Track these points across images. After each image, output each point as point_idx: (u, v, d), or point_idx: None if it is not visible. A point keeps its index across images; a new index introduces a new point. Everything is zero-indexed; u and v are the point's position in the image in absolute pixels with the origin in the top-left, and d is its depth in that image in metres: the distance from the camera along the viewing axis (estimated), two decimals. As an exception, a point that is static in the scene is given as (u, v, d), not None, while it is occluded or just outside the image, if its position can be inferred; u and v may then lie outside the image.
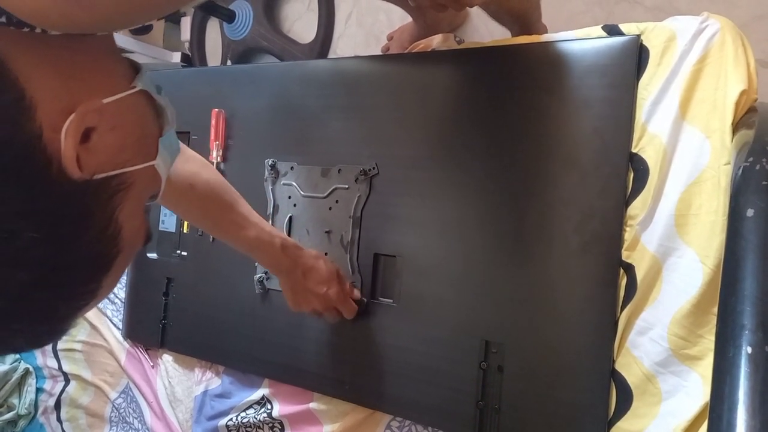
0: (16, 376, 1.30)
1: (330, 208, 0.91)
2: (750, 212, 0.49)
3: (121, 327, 1.18)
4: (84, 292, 0.38)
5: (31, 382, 1.31)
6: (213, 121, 1.03)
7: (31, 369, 1.31)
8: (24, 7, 0.30)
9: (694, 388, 0.64)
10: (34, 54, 0.33)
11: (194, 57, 1.77)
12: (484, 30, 1.28)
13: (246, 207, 0.79)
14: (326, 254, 0.89)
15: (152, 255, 1.11)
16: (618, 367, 0.69)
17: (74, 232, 0.35)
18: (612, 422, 0.69)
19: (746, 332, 0.41)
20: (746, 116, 0.65)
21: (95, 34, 0.37)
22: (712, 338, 0.63)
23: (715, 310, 0.62)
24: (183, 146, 0.72)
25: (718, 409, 0.39)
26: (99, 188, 0.36)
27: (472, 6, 0.81)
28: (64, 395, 1.26)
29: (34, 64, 0.33)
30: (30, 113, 0.32)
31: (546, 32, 1.04)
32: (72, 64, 0.36)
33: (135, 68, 0.42)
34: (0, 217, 0.31)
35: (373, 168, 0.87)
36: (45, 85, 0.33)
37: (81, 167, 0.34)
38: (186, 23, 1.79)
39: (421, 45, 0.92)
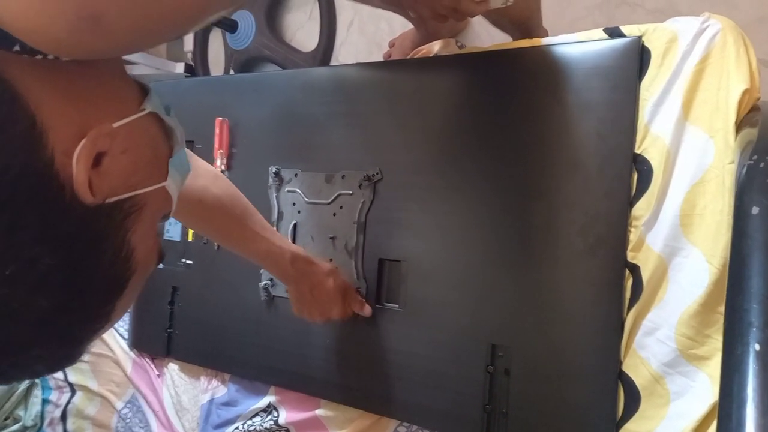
0: (21, 387, 1.30)
1: (334, 214, 0.91)
2: (755, 210, 0.49)
3: (126, 337, 1.18)
4: (100, 315, 0.38)
5: (37, 393, 1.31)
6: (217, 130, 1.03)
7: (36, 381, 1.31)
8: (39, 36, 0.31)
9: (702, 389, 0.64)
10: (45, 80, 0.34)
11: (197, 67, 1.79)
12: (486, 36, 1.29)
13: (257, 220, 0.79)
14: (331, 260, 0.90)
15: (157, 264, 1.11)
16: (625, 368, 0.69)
17: (90, 257, 0.36)
18: (620, 424, 0.68)
19: (754, 330, 0.41)
20: (749, 115, 0.65)
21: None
22: (720, 338, 0.63)
23: (722, 309, 0.63)
24: (195, 159, 0.73)
25: (727, 407, 0.38)
26: (112, 212, 0.37)
27: (473, 16, 0.81)
28: (70, 406, 1.26)
29: (45, 90, 0.34)
30: (42, 140, 0.33)
31: (547, 37, 1.05)
32: (82, 89, 0.36)
33: (143, 90, 0.43)
34: (19, 245, 0.32)
35: (377, 174, 0.87)
36: (56, 111, 0.34)
37: (93, 192, 0.35)
38: (189, 34, 1.80)
39: (423, 51, 0.92)
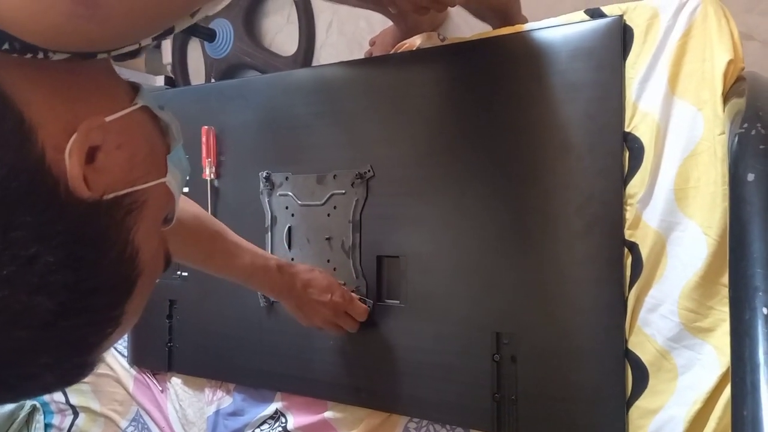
0: (23, 414, 1.28)
1: (329, 215, 0.90)
2: (751, 177, 0.49)
3: (126, 354, 1.17)
4: (109, 319, 0.38)
5: (39, 418, 1.29)
6: (203, 139, 1.03)
7: (38, 405, 1.29)
8: (35, 24, 0.30)
9: (708, 360, 0.64)
10: (33, 78, 0.33)
11: (178, 79, 1.77)
12: (465, 27, 1.29)
13: (234, 235, 0.78)
14: (328, 261, 0.89)
15: (153, 278, 1.10)
16: (631, 346, 0.69)
17: (92, 255, 0.35)
18: (630, 402, 0.69)
19: (760, 294, 0.41)
20: (735, 85, 0.65)
21: (95, 57, 0.37)
22: (723, 309, 0.64)
23: (723, 280, 0.63)
24: None
25: (741, 372, 0.38)
26: (111, 208, 0.36)
27: (453, 5, 0.81)
28: (74, 429, 1.24)
29: (33, 88, 0.33)
30: (31, 136, 0.32)
31: (527, 23, 1.05)
32: (72, 86, 0.36)
33: (134, 88, 0.43)
34: (16, 243, 0.31)
35: (369, 171, 0.86)
36: (44, 108, 0.33)
37: (90, 187, 0.34)
38: (167, 46, 1.79)
39: (406, 45, 0.92)
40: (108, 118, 0.37)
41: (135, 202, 0.38)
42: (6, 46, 0.31)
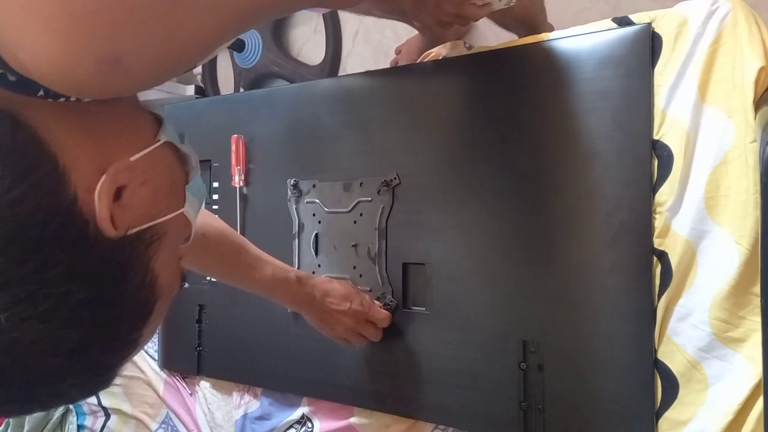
0: (56, 415, 1.31)
1: (355, 222, 0.91)
2: (783, 185, 0.48)
3: (156, 357, 1.20)
4: (128, 342, 0.40)
5: (72, 419, 1.32)
6: (233, 147, 1.05)
7: (70, 407, 1.33)
8: (62, 81, 0.32)
9: (740, 371, 0.63)
10: (66, 121, 0.36)
11: (207, 88, 1.81)
12: (491, 35, 1.29)
13: (255, 248, 0.81)
14: (354, 267, 0.90)
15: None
16: (660, 356, 0.68)
17: (116, 288, 0.37)
18: (660, 413, 0.68)
19: (793, 304, 0.41)
20: (767, 93, 0.64)
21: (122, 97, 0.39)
22: (755, 318, 0.63)
23: (755, 290, 0.62)
24: None
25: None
26: (134, 242, 0.38)
27: (476, 20, 0.81)
28: (105, 430, 1.27)
29: (66, 131, 0.35)
30: (65, 179, 0.34)
31: (553, 31, 1.05)
32: (100, 127, 0.38)
33: (157, 120, 0.44)
34: (51, 283, 0.33)
35: (395, 178, 0.87)
36: (76, 150, 0.35)
37: (115, 225, 0.36)
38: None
39: (432, 54, 0.93)
40: (133, 158, 0.39)
41: (155, 233, 0.40)
42: (41, 92, 0.33)
